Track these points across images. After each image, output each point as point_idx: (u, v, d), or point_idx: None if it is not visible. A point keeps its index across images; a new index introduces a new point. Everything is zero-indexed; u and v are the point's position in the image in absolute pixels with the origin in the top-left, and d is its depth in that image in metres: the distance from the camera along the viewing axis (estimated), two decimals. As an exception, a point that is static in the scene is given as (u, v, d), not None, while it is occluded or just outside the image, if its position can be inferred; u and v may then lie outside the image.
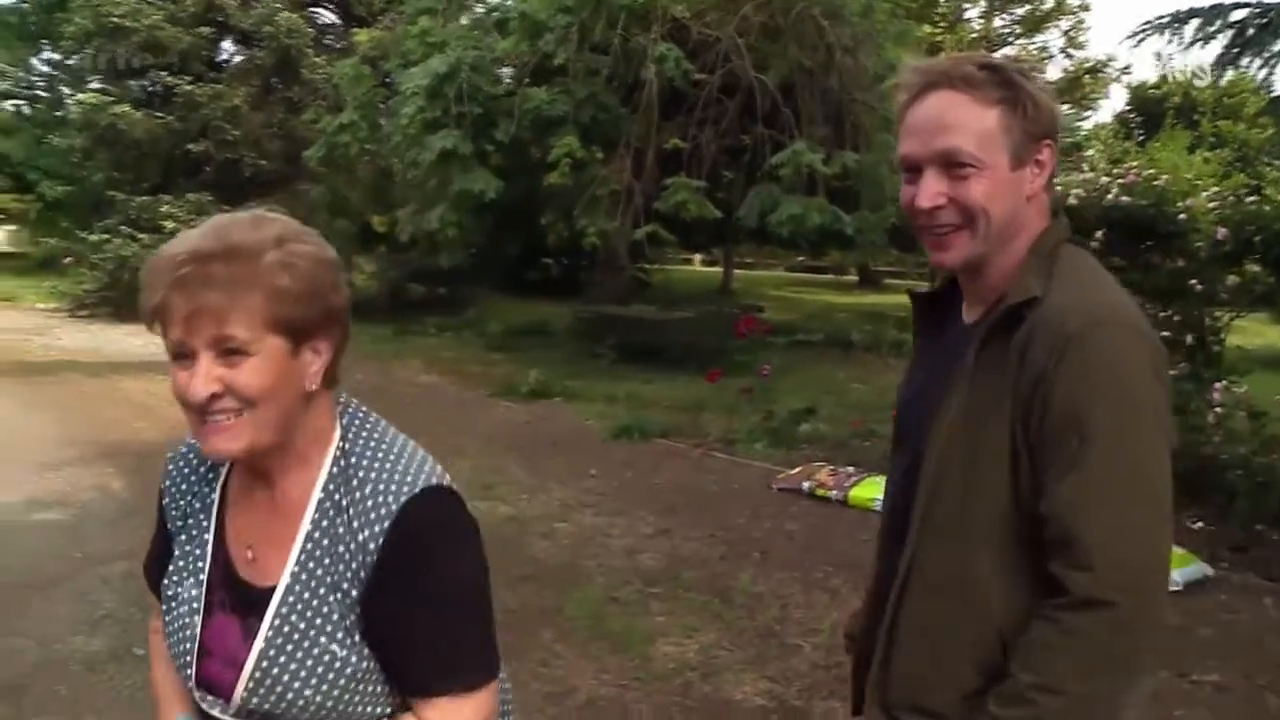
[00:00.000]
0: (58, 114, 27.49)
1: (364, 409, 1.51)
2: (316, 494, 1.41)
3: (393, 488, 1.38)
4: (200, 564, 1.46)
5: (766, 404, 9.65)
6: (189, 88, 18.64)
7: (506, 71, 13.75)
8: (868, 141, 10.69)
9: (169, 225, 17.65)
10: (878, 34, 11.12)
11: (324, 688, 1.37)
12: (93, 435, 8.54)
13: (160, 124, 18.88)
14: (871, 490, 6.78)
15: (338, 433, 1.45)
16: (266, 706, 1.38)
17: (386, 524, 1.36)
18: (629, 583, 5.39)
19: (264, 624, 1.38)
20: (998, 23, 26.46)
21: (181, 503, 1.52)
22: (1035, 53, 26.82)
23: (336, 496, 1.40)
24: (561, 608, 5.01)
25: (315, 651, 1.37)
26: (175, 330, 1.30)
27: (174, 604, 1.47)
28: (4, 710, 3.89)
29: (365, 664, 1.38)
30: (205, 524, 1.48)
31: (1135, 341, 1.41)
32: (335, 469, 1.42)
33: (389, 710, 1.44)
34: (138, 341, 15.41)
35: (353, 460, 1.42)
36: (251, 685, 1.38)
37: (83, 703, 3.91)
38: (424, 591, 1.37)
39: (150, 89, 19.56)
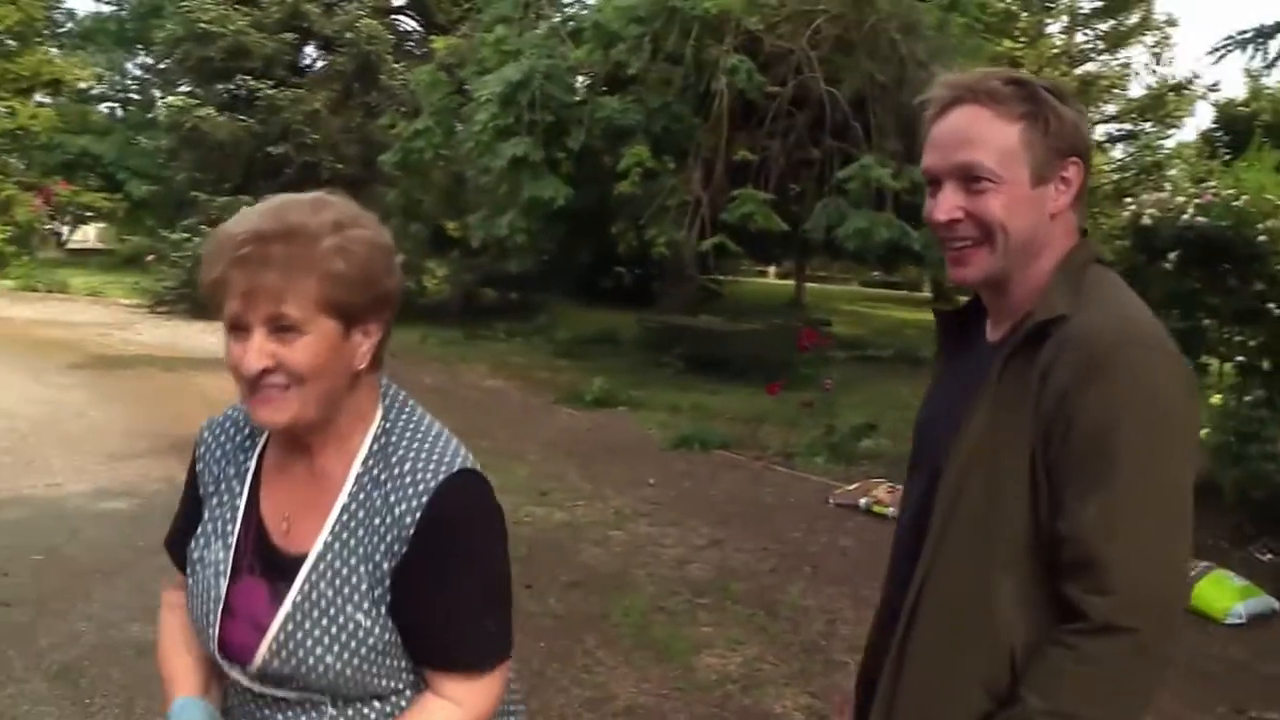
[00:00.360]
0: (149, 116, 28.32)
1: (404, 393, 1.55)
2: (356, 468, 1.45)
3: (431, 466, 1.42)
4: (229, 528, 1.50)
5: (828, 418, 9.58)
6: (271, 92, 19.03)
7: (582, 80, 13.83)
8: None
9: (248, 226, 18.02)
10: (953, 49, 10.98)
11: (345, 655, 1.40)
12: (163, 428, 8.74)
13: (242, 127, 19.30)
14: (930, 509, 6.70)
15: (379, 413, 1.49)
16: (287, 670, 1.42)
17: (424, 499, 1.40)
18: (677, 593, 5.38)
19: (293, 588, 1.42)
20: (1080, 38, 25.89)
21: (215, 469, 1.55)
22: (1118, 69, 26.27)
23: (375, 471, 1.44)
24: (608, 615, 5.02)
25: (340, 619, 1.41)
26: (233, 304, 1.34)
27: (199, 567, 1.50)
28: (62, 689, 4.01)
29: (387, 636, 1.42)
30: (238, 490, 1.52)
31: (1164, 361, 1.38)
32: (375, 446, 1.46)
33: (404, 686, 1.47)
34: (212, 338, 15.77)
35: (393, 439, 1.46)
36: (275, 647, 1.41)
37: (134, 687, 4.00)
38: (453, 570, 1.42)
39: (234, 93, 19.99)
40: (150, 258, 22.64)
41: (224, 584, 1.46)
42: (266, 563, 1.46)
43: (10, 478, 7.06)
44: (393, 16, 23.55)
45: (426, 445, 1.46)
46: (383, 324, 1.44)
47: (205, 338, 15.71)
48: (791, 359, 12.80)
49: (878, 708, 1.56)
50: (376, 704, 1.47)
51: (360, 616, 1.41)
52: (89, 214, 32.36)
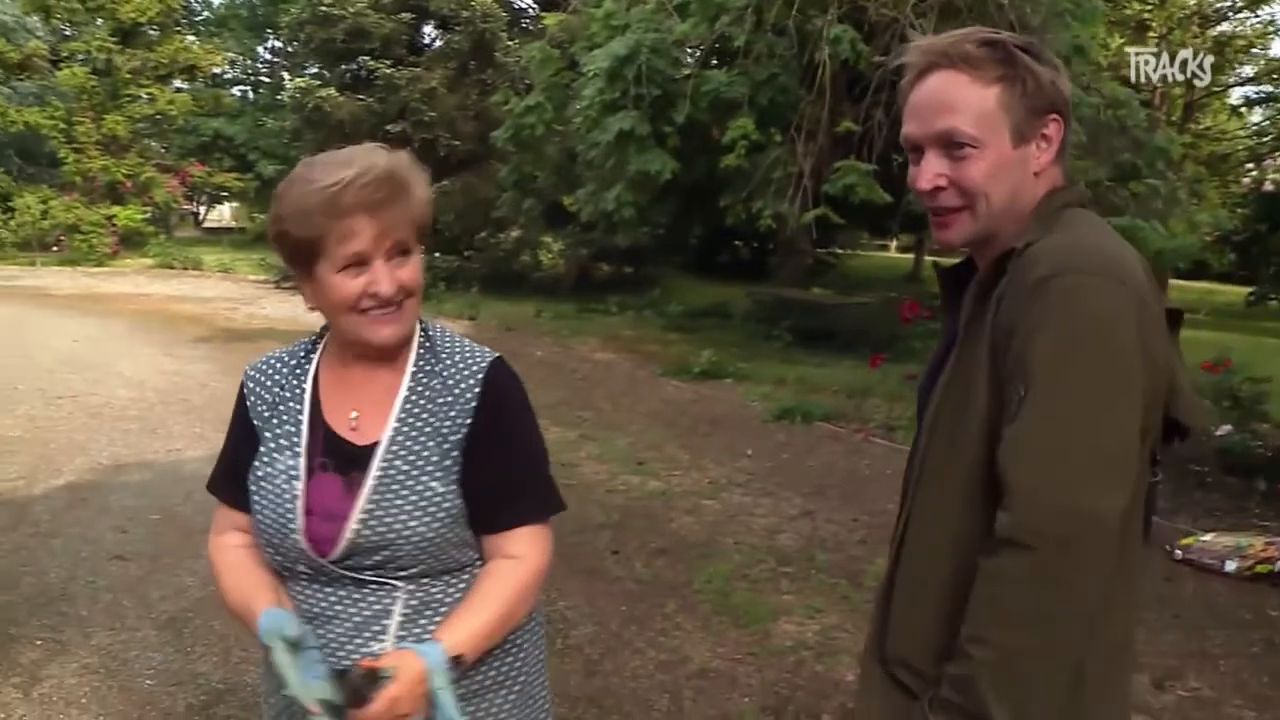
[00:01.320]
0: (278, 98, 29.26)
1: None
2: (410, 367, 1.70)
3: (476, 355, 1.72)
4: (296, 439, 1.69)
5: (931, 391, 9.45)
6: (389, 71, 19.41)
7: (691, 54, 13.79)
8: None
9: (367, 202, 18.45)
10: (1065, 13, 10.65)
11: (427, 520, 1.62)
12: (279, 398, 9.08)
13: (362, 106, 19.73)
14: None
15: (419, 325, 1.74)
16: (375, 539, 1.61)
17: (480, 377, 1.68)
18: (762, 561, 5.42)
19: (373, 467, 1.63)
20: (1215, -4, 24.54)
21: (268, 396, 1.74)
22: (1258, 28, 24.89)
23: (427, 365, 1.70)
24: (691, 581, 5.09)
25: (418, 489, 1.62)
26: (357, 242, 1.57)
27: (264, 482, 1.68)
28: (168, 637, 4.29)
29: (459, 503, 1.65)
30: (298, 407, 1.71)
31: (1106, 289, 1.35)
32: (422, 349, 1.72)
33: (467, 564, 1.69)
34: (333, 313, 16.30)
35: (434, 341, 1.73)
36: (364, 518, 1.61)
37: (231, 638, 4.24)
38: (512, 433, 1.70)
39: (356, 73, 20.47)
40: (277, 235, 23.40)
41: (299, 485, 1.64)
42: (338, 457, 1.66)
43: (137, 443, 7.48)
44: (510, -7, 23.85)
45: (465, 343, 1.75)
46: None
47: (326, 312, 16.19)
48: (899, 332, 12.67)
49: (872, 641, 1.64)
50: (440, 582, 1.67)
51: (435, 484, 1.62)
52: (223, 194, 33.68)
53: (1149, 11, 20.44)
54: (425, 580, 1.64)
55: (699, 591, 4.97)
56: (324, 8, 19.79)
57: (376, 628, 1.62)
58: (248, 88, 39.12)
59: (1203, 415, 1.47)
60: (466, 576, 1.68)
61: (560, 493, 1.77)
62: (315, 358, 1.75)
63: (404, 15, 20.28)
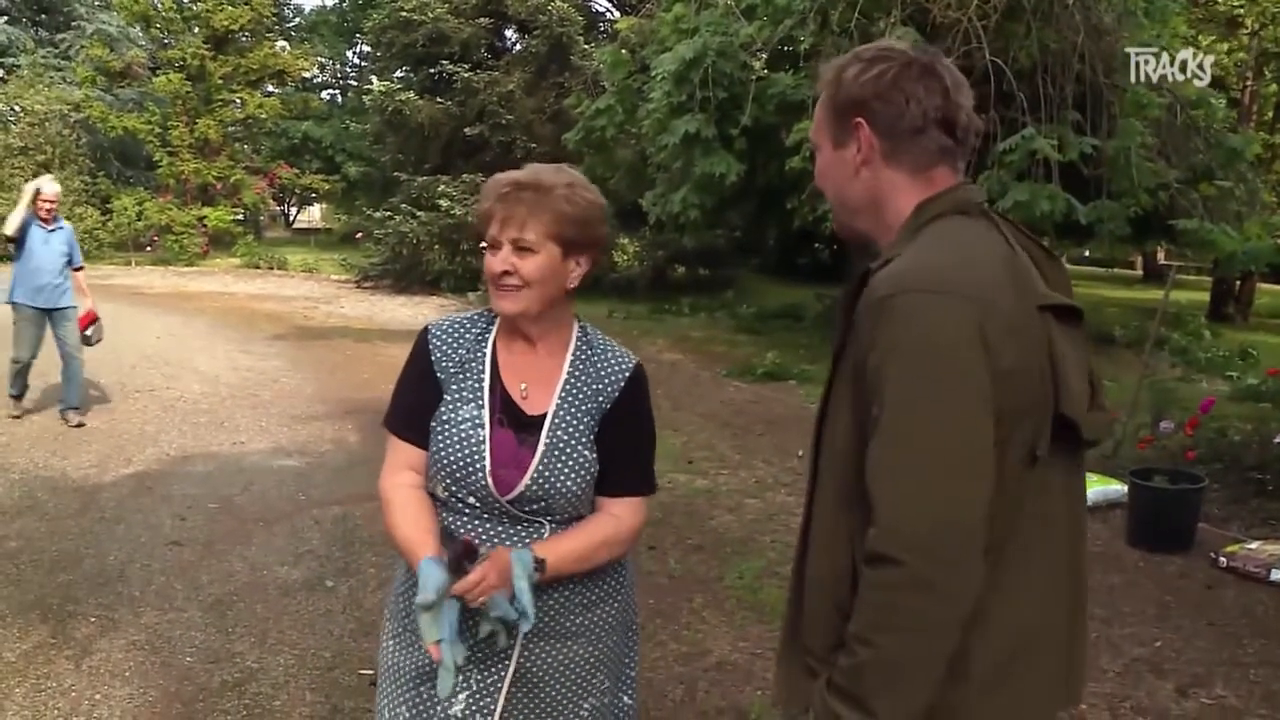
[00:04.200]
0: (364, 101, 29.95)
1: None
2: (570, 354, 2.09)
3: (625, 354, 2.14)
4: (479, 394, 2.03)
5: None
6: (467, 75, 19.74)
7: (761, 55, 13.80)
8: (1113, 125, 10.07)
9: (444, 204, 18.83)
10: (1138, 11, 10.45)
11: (580, 480, 2.02)
12: (344, 393, 9.40)
13: (441, 109, 20.09)
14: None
15: (576, 324, 2.13)
16: (540, 492, 1.99)
17: (627, 372, 2.10)
18: (796, 559, 5.46)
19: (543, 434, 2.01)
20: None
21: (455, 356, 2.07)
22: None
23: (583, 356, 2.09)
24: (722, 577, 5.17)
25: (576, 454, 2.02)
26: (492, 228, 1.98)
27: (448, 426, 2.02)
28: (212, 618, 4.50)
29: (596, 469, 2.04)
30: (480, 369, 2.06)
31: (941, 305, 1.40)
32: (579, 343, 2.11)
33: (586, 514, 2.07)
34: (408, 312, 16.62)
35: (590, 338, 2.13)
36: (535, 476, 1.98)
37: (270, 620, 4.45)
38: (638, 420, 2.11)
39: (436, 76, 20.85)
40: (359, 235, 24.04)
41: (483, 433, 2.00)
42: (512, 419, 2.02)
43: (204, 435, 7.80)
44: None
45: (614, 344, 2.15)
46: (590, 259, 2.04)
47: (401, 311, 16.59)
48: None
49: (786, 627, 1.71)
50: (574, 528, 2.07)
51: (586, 452, 2.02)
52: (311, 195, 34.51)
53: (1240, 7, 19.85)
54: (565, 524, 2.03)
55: (729, 587, 5.05)
56: (405, 13, 20.21)
57: None
58: (336, 91, 40.11)
59: (1081, 407, 1.54)
60: None
61: (655, 478, 2.17)
62: (493, 331, 2.10)
63: (483, 20, 20.60)
